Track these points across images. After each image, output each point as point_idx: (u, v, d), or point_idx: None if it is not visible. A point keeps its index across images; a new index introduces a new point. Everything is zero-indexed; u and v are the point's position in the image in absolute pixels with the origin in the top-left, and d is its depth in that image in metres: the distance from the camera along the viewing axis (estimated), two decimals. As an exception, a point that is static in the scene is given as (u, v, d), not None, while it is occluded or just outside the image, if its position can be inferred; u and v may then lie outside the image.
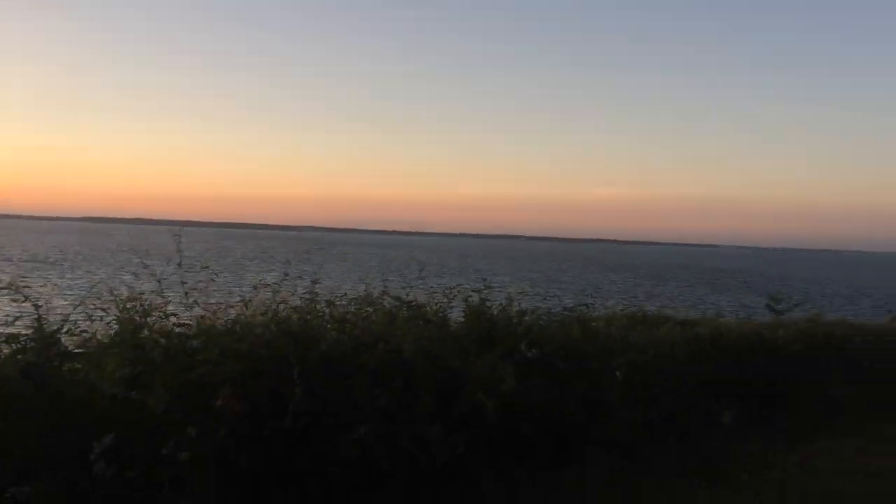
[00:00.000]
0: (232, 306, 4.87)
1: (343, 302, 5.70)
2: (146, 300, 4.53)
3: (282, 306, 5.07)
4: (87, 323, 4.36)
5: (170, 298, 4.67)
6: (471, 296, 6.66)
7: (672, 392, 7.17)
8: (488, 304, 6.60)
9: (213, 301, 4.90)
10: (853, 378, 9.32)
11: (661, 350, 7.25)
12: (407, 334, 5.14)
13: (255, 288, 5.06)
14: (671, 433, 7.23)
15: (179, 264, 4.79)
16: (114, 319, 4.49)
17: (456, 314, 6.64)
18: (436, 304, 6.48)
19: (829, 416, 8.77)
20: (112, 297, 4.48)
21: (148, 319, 4.54)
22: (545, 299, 8.41)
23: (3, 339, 4.00)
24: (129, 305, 4.46)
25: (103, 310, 4.45)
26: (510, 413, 5.81)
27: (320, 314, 5.23)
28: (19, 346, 4.01)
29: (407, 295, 6.34)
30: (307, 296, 5.39)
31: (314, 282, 5.47)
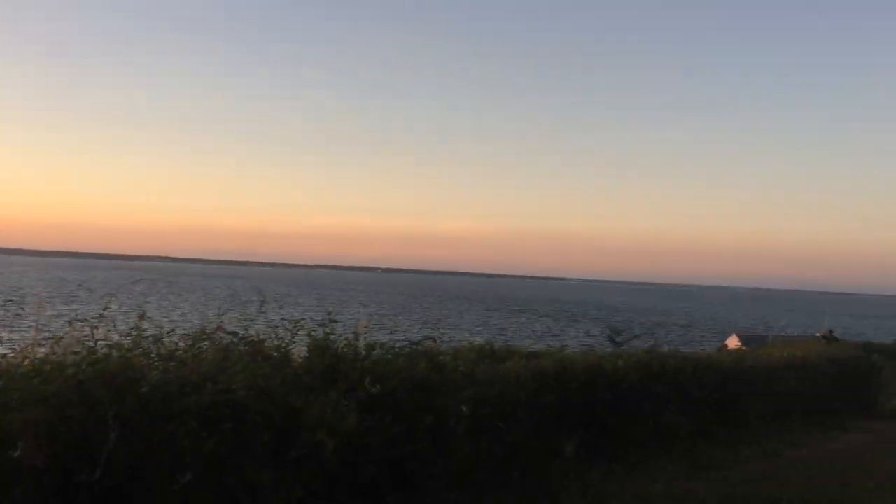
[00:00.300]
0: (41, 344, 4.38)
1: (174, 338, 5.30)
2: (-67, 338, 3.99)
3: (100, 343, 4.62)
4: None
5: (-34, 336, 4.14)
6: (315, 330, 6.41)
7: (517, 425, 7.21)
8: (333, 338, 6.38)
9: (18, 338, 4.39)
10: (685, 406, 9.80)
11: (507, 384, 7.27)
12: (240, 372, 4.82)
13: (69, 323, 4.58)
14: (515, 466, 7.25)
15: (-25, 298, 4.27)
16: None
17: (301, 349, 6.37)
18: (278, 339, 6.19)
19: (663, 444, 9.16)
20: None
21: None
22: (391, 333, 8.26)
23: None
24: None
25: None
26: (353, 452, 5.60)
27: (146, 352, 4.81)
28: None
29: (246, 330, 6.01)
30: (134, 331, 4.95)
31: (140, 316, 5.04)
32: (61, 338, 4.41)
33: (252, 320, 6.06)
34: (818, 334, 27.48)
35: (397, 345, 6.84)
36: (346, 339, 6.43)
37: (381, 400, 6.08)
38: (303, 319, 6.32)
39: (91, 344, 4.48)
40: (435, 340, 7.03)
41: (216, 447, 4.51)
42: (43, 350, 4.34)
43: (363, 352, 6.62)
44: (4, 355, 4.17)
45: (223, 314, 5.63)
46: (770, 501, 7.52)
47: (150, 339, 4.96)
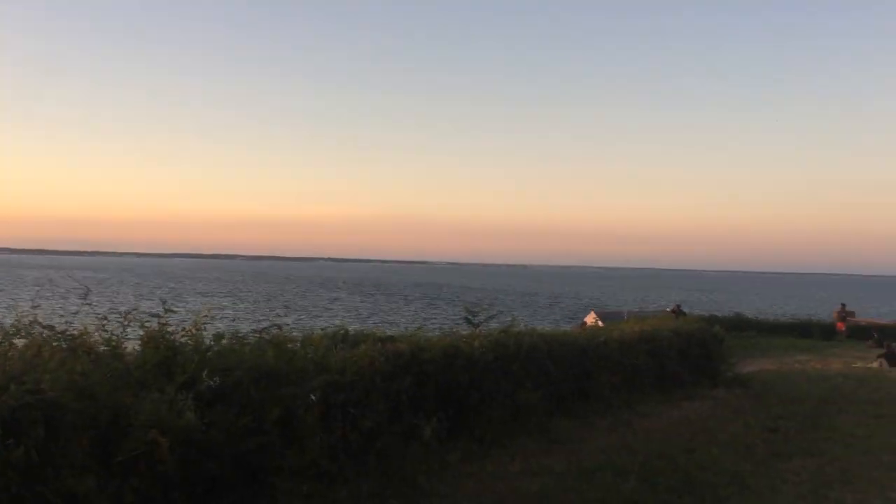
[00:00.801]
0: None
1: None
2: None
3: None
4: None
5: None
6: (148, 321, 5.93)
7: (372, 411, 7.00)
8: (170, 329, 5.92)
9: None
10: (541, 383, 9.94)
11: (360, 369, 7.05)
12: (54, 370, 4.32)
13: None
14: (372, 453, 7.05)
15: None
16: None
17: (134, 343, 5.88)
18: (107, 332, 5.67)
19: (519, 421, 9.25)
20: None
21: None
22: (234, 321, 7.83)
23: None
24: None
25: None
26: (193, 450, 5.20)
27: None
28: None
29: (69, 323, 5.45)
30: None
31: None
32: None
33: (75, 313, 5.52)
34: (668, 309, 29.02)
35: (243, 333, 6.47)
36: (185, 329, 5.99)
37: (224, 392, 5.71)
38: (134, 310, 5.83)
39: None
40: (280, 328, 6.69)
41: (26, 454, 4.02)
42: None
43: (209, 342, 6.21)
44: None
45: (37, 307, 5.06)
46: (621, 470, 7.74)
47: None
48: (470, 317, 9.83)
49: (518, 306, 66.80)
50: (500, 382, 9.05)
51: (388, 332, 9.13)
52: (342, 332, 8.14)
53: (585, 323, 34.03)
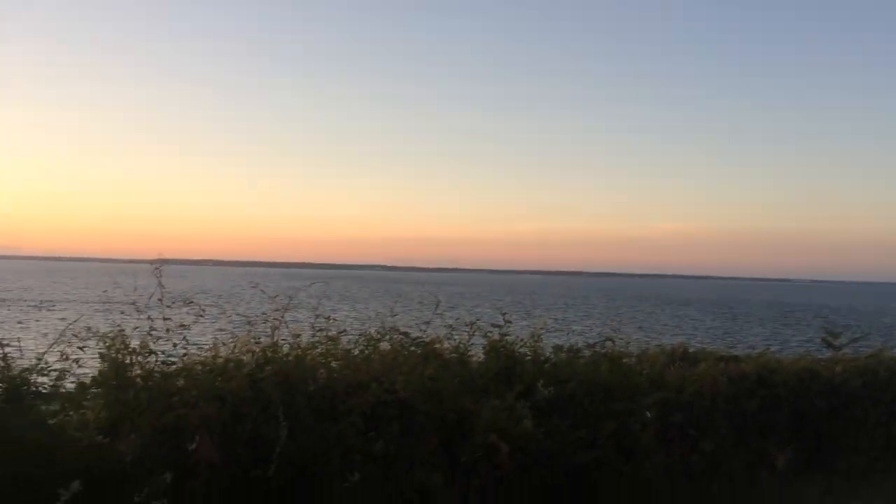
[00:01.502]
0: (224, 343, 4.62)
1: (350, 338, 5.40)
2: (128, 337, 4.32)
3: (281, 343, 4.80)
4: (64, 362, 4.16)
5: (157, 335, 4.44)
6: (490, 331, 6.31)
7: (713, 433, 6.61)
8: (509, 338, 6.24)
9: (200, 338, 4.66)
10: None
11: (700, 388, 6.71)
12: (408, 374, 4.80)
13: (248, 323, 4.80)
14: (715, 478, 6.66)
15: (161, 300, 4.57)
16: (97, 358, 4.29)
17: (478, 351, 6.29)
18: (456, 340, 6.15)
19: (890, 457, 8.03)
20: (92, 335, 4.29)
21: (134, 358, 4.32)
22: (567, 335, 7.96)
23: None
24: (110, 343, 4.25)
25: (81, 348, 4.25)
26: (528, 457, 5.40)
27: (324, 352, 4.93)
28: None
29: (423, 331, 6.01)
30: (317, 331, 5.10)
31: (318, 316, 5.18)
32: (239, 337, 4.62)
33: (427, 322, 6.07)
34: None
35: (579, 347, 6.56)
36: (523, 340, 6.27)
37: (559, 403, 5.84)
38: (478, 321, 6.24)
39: (267, 343, 4.65)
40: (613, 341, 6.64)
41: (385, 447, 4.52)
42: (224, 350, 4.57)
43: (548, 353, 6.43)
44: (185, 354, 4.43)
45: (396, 315, 5.67)
46: None
47: (325, 339, 5.07)
48: (829, 339, 8.81)
49: (888, 328, 58.19)
50: (868, 412, 7.95)
51: (733, 352, 8.56)
52: (681, 349, 7.83)
53: None
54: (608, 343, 6.59)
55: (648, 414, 6.02)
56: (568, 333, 8.35)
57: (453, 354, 5.99)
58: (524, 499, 5.36)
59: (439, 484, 4.62)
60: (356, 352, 5.24)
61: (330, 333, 5.15)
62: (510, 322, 6.22)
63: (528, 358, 6.24)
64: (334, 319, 5.44)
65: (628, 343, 7.16)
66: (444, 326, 6.35)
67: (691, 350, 7.85)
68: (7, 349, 3.95)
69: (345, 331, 5.14)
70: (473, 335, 6.27)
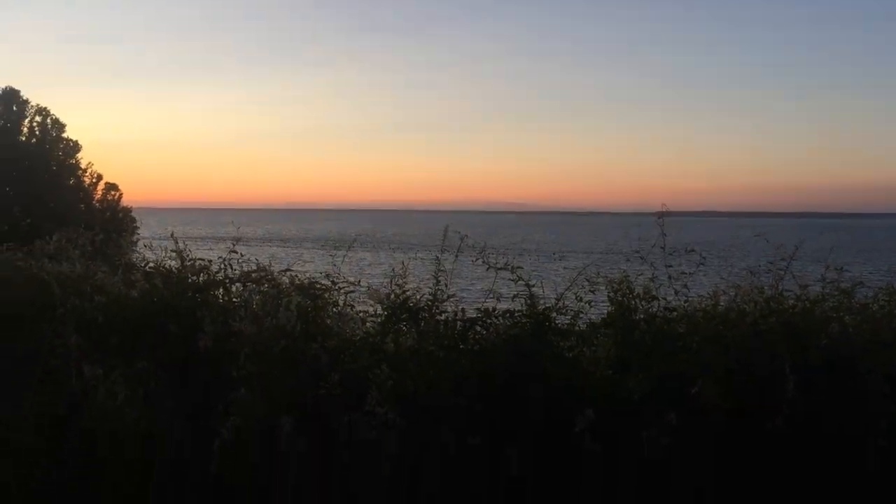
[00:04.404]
0: (723, 293, 4.53)
1: (867, 292, 4.81)
2: (633, 283, 4.52)
3: (787, 293, 4.52)
4: (578, 303, 4.55)
5: (659, 283, 4.57)
6: None
7: None
8: None
9: (700, 288, 4.64)
10: None
11: None
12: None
13: (751, 273, 4.61)
14: None
15: (663, 248, 4.66)
16: (606, 301, 4.61)
17: None
18: None
19: None
20: (601, 280, 4.60)
21: (638, 302, 4.54)
22: None
23: (500, 315, 4.45)
24: (617, 287, 4.52)
25: (592, 291, 4.59)
26: None
27: (831, 304, 4.49)
28: (513, 321, 4.42)
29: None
30: (820, 283, 4.67)
31: (828, 267, 4.71)
32: (741, 286, 4.47)
33: None
34: None
35: None
36: None
37: None
38: None
39: (771, 293, 4.42)
40: None
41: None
42: (724, 298, 4.49)
43: None
44: (686, 301, 4.47)
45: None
46: None
47: (838, 291, 4.62)
48: None
49: None
50: None
51: None
52: None
53: None
54: None
55: None
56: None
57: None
58: None
59: None
60: (875, 307, 4.65)
61: (843, 286, 4.66)
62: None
63: None
64: (847, 271, 4.89)
65: None
66: None
67: None
68: (533, 289, 4.48)
69: (861, 283, 4.59)
70: None
